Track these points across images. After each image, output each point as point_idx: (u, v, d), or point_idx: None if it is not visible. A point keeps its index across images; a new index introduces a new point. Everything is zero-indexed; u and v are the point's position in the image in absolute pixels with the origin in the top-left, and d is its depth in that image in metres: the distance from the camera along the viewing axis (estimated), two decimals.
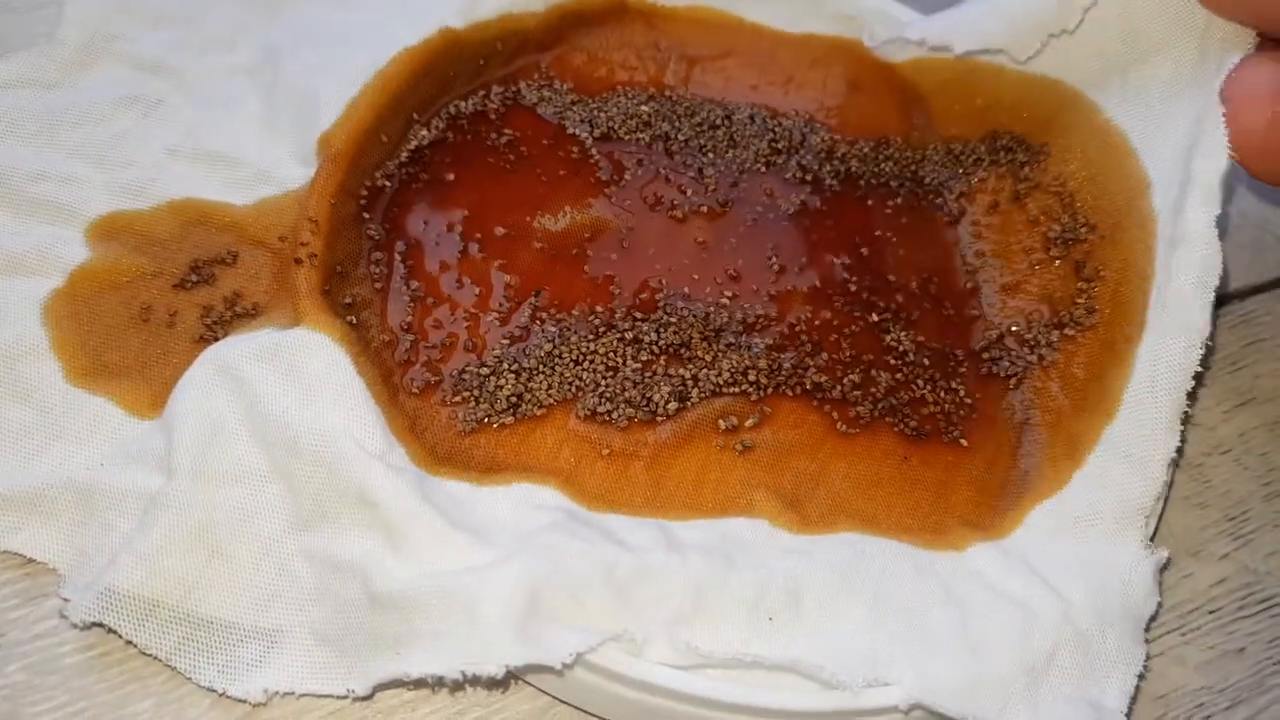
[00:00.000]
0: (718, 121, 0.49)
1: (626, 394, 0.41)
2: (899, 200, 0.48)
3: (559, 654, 0.34)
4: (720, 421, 0.41)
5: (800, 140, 0.49)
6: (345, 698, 0.36)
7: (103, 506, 0.37)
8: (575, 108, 0.48)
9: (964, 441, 0.42)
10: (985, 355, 0.44)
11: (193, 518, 0.36)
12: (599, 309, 0.43)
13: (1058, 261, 0.45)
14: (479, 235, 0.44)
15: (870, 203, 0.48)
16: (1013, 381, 0.43)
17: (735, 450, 0.40)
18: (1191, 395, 0.39)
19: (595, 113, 0.48)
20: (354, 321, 0.41)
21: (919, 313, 0.45)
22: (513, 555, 0.35)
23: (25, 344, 0.40)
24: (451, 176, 0.46)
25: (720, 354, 0.42)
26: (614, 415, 0.40)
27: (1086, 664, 0.36)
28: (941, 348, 0.44)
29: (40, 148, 0.44)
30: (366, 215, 0.44)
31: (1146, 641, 0.37)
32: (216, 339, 0.40)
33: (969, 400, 0.43)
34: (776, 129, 0.49)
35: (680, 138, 0.48)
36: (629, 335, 0.42)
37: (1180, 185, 0.41)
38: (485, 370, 0.41)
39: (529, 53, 0.50)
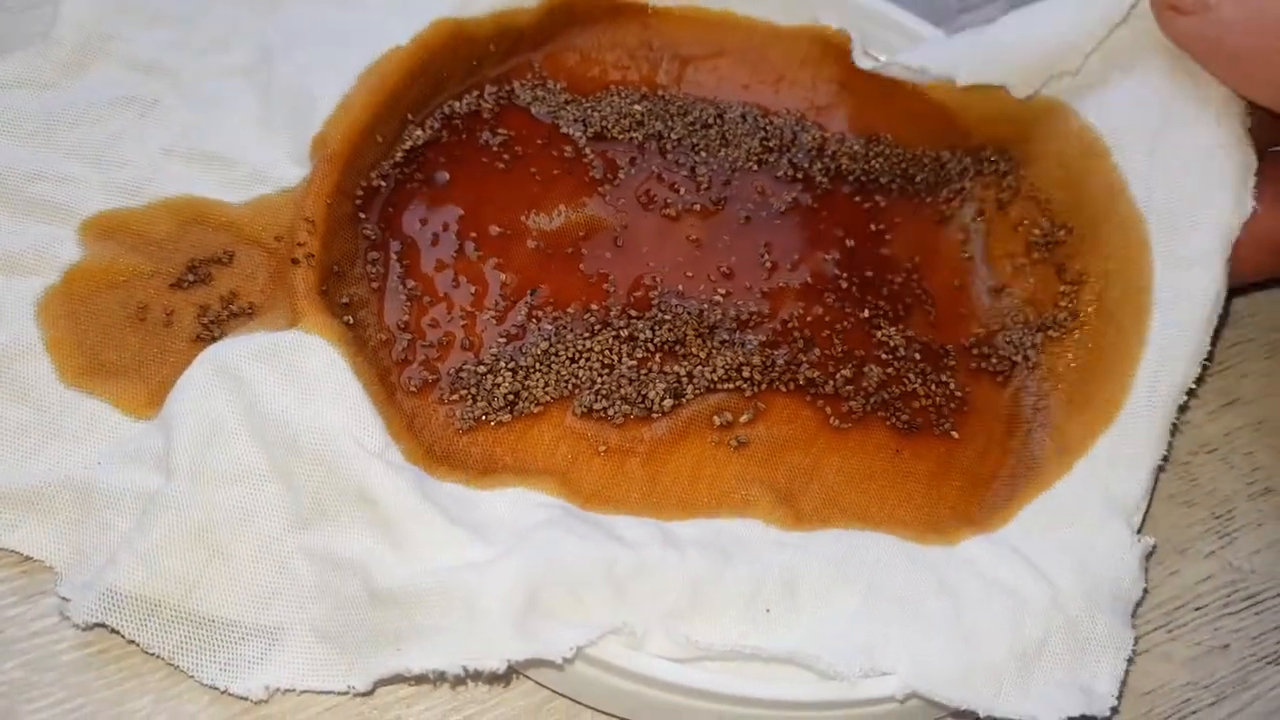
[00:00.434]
0: (710, 120, 0.49)
1: (622, 391, 0.41)
2: (889, 198, 0.48)
3: (559, 648, 0.34)
4: (715, 417, 0.41)
5: (791, 138, 0.49)
6: (345, 694, 0.36)
7: (100, 505, 0.37)
8: (569, 107, 0.49)
9: (955, 434, 0.42)
10: (974, 351, 0.44)
11: (192, 517, 0.36)
12: (594, 307, 0.43)
13: (1040, 265, 0.46)
14: (474, 234, 0.45)
15: (860, 200, 0.48)
16: (1000, 378, 0.44)
17: (730, 446, 0.41)
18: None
19: (589, 112, 0.49)
20: (351, 321, 0.41)
21: (909, 309, 0.45)
22: (512, 551, 0.35)
23: (22, 343, 0.40)
24: (447, 176, 0.46)
25: (714, 351, 0.42)
26: (610, 412, 0.41)
27: (1077, 649, 0.37)
28: (932, 343, 0.44)
29: (37, 148, 0.43)
30: (363, 215, 0.44)
31: (1134, 628, 0.38)
32: (213, 338, 0.40)
33: (959, 393, 0.43)
34: (768, 127, 0.49)
35: (673, 137, 0.48)
36: (624, 333, 0.43)
37: (1169, 195, 0.42)
38: (482, 368, 0.41)
39: (522, 52, 0.50)
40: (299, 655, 0.36)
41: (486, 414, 0.40)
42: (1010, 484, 0.41)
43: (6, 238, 0.41)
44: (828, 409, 0.42)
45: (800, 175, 0.48)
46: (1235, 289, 0.43)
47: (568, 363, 0.42)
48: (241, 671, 0.35)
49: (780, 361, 0.43)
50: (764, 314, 0.44)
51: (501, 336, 0.42)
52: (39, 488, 0.38)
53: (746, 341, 0.43)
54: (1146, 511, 0.40)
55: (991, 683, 0.36)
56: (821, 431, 0.42)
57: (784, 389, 0.42)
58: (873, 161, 0.49)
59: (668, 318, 0.43)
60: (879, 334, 0.44)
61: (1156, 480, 0.41)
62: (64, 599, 0.36)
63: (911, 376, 0.43)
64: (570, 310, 0.43)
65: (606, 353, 0.42)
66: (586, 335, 0.42)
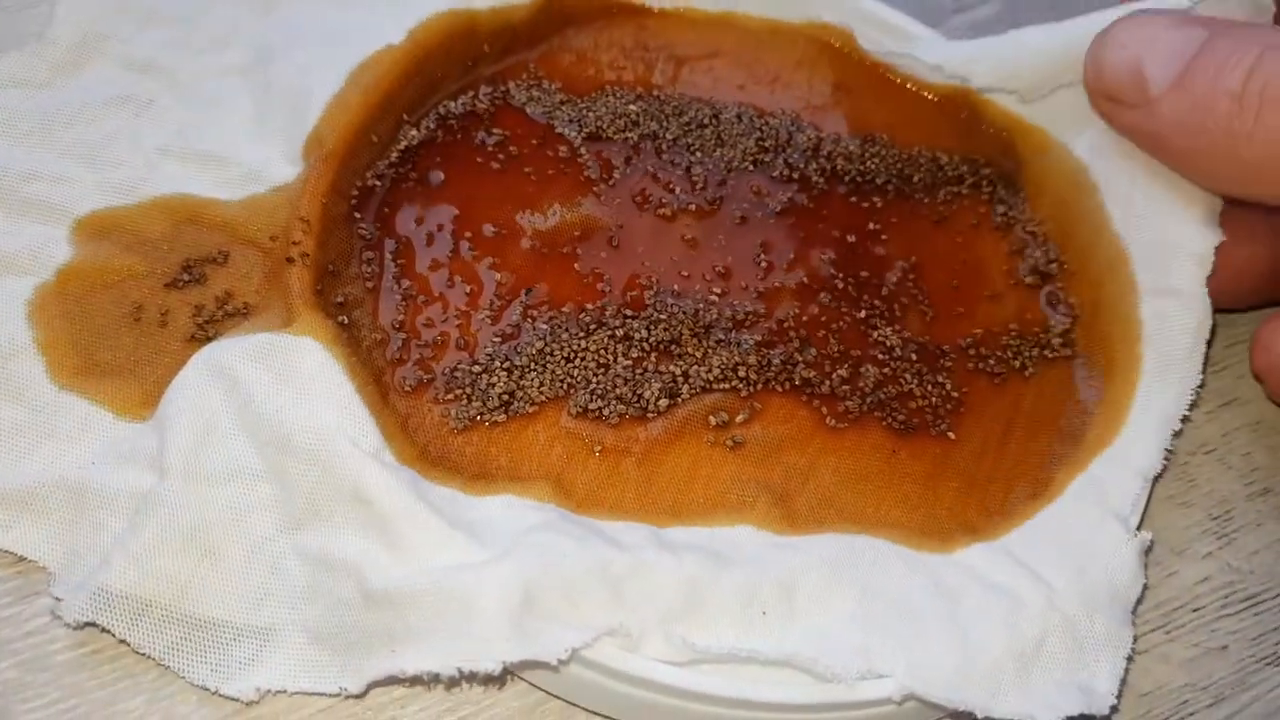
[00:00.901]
0: (705, 120, 0.49)
1: (618, 391, 0.41)
2: (885, 198, 0.48)
3: (555, 650, 0.34)
4: (711, 417, 0.41)
5: (787, 138, 0.49)
6: (338, 695, 0.36)
7: (94, 505, 0.37)
8: (564, 107, 0.49)
9: (951, 435, 0.42)
10: (971, 352, 0.44)
11: (185, 517, 0.36)
12: (589, 306, 0.43)
13: (1034, 290, 0.46)
14: (469, 234, 0.45)
15: (857, 200, 0.48)
16: (997, 379, 0.44)
17: (726, 446, 0.41)
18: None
19: (584, 112, 0.48)
20: (346, 321, 0.41)
21: (905, 309, 0.45)
22: (507, 553, 0.35)
23: (17, 343, 0.40)
24: (442, 176, 0.46)
25: (710, 350, 0.42)
26: (605, 412, 0.41)
27: (1075, 649, 0.37)
28: (928, 343, 0.44)
29: (32, 147, 0.43)
30: (358, 215, 0.44)
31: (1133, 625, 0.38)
32: (208, 338, 0.40)
33: (955, 394, 0.43)
34: (764, 128, 0.49)
35: (668, 137, 0.48)
36: (620, 332, 0.42)
37: (1152, 231, 0.43)
38: (477, 368, 0.41)
39: (518, 51, 0.50)
40: (291, 656, 0.35)
41: (481, 414, 0.40)
42: (1007, 487, 0.41)
43: (3, 238, 0.41)
44: (824, 409, 0.42)
45: (796, 175, 0.48)
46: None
47: (563, 362, 0.41)
48: (233, 673, 0.35)
49: (776, 361, 0.42)
50: (760, 314, 0.44)
51: (496, 336, 0.42)
52: (33, 488, 0.38)
53: (742, 341, 0.43)
54: (1144, 513, 0.40)
55: (989, 683, 0.36)
56: (818, 432, 0.42)
57: (780, 389, 0.42)
58: (869, 162, 0.49)
59: (663, 317, 0.43)
60: (875, 334, 0.44)
61: (1154, 483, 0.41)
62: (57, 599, 0.36)
63: (908, 377, 0.43)
64: (565, 310, 0.43)
65: (602, 352, 0.42)
66: (582, 335, 0.42)
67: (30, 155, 0.43)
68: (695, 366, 0.42)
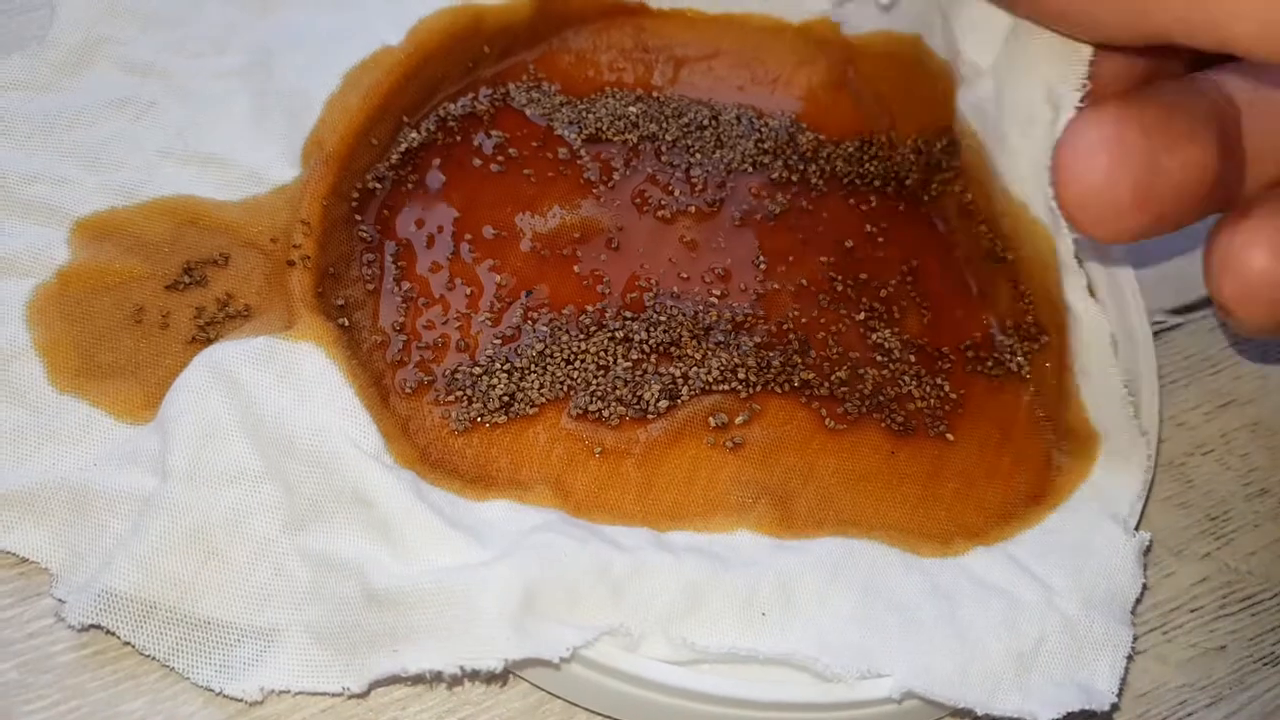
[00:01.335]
0: (705, 122, 0.49)
1: (617, 392, 0.41)
2: (884, 200, 0.48)
3: (557, 648, 0.34)
4: (710, 419, 0.41)
5: (787, 140, 0.49)
6: (341, 695, 0.36)
7: (96, 507, 0.37)
8: (563, 109, 0.49)
9: (950, 436, 0.42)
10: (970, 354, 0.44)
11: (188, 519, 0.36)
12: (589, 308, 0.43)
13: (1003, 279, 0.46)
14: (469, 236, 0.45)
15: (855, 202, 0.48)
16: (995, 381, 0.44)
17: (725, 447, 0.41)
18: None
19: (583, 114, 0.49)
20: (346, 323, 0.41)
21: (904, 311, 0.45)
22: (508, 553, 0.35)
23: (17, 345, 0.40)
24: (442, 178, 0.46)
25: (710, 352, 0.42)
26: (605, 414, 0.41)
27: (1075, 648, 0.37)
28: (927, 345, 0.44)
29: (33, 150, 0.43)
30: (358, 217, 0.44)
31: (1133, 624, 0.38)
32: (209, 340, 0.40)
33: (954, 395, 0.43)
34: (763, 129, 0.49)
35: (668, 138, 0.48)
36: (619, 334, 0.43)
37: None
38: (477, 370, 0.41)
39: (517, 53, 0.50)
40: (294, 657, 0.35)
41: (481, 415, 0.40)
42: (1006, 488, 0.41)
43: (4, 240, 0.41)
44: (823, 410, 0.42)
45: (795, 177, 0.48)
46: None
47: (563, 364, 0.42)
48: (237, 673, 0.35)
49: (775, 363, 0.43)
50: (759, 316, 0.44)
51: (497, 338, 0.42)
52: (34, 489, 0.37)
53: (742, 343, 0.43)
54: (1142, 513, 0.40)
55: (988, 682, 0.36)
56: (817, 433, 0.42)
57: (779, 390, 0.42)
58: (867, 164, 0.49)
59: (663, 319, 0.43)
60: (874, 336, 0.44)
61: (1153, 481, 0.41)
62: (60, 601, 0.36)
63: (906, 379, 0.43)
64: (565, 312, 0.43)
65: (602, 354, 0.42)
66: (581, 337, 0.42)
67: (31, 157, 0.43)
68: (695, 368, 0.42)
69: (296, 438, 0.37)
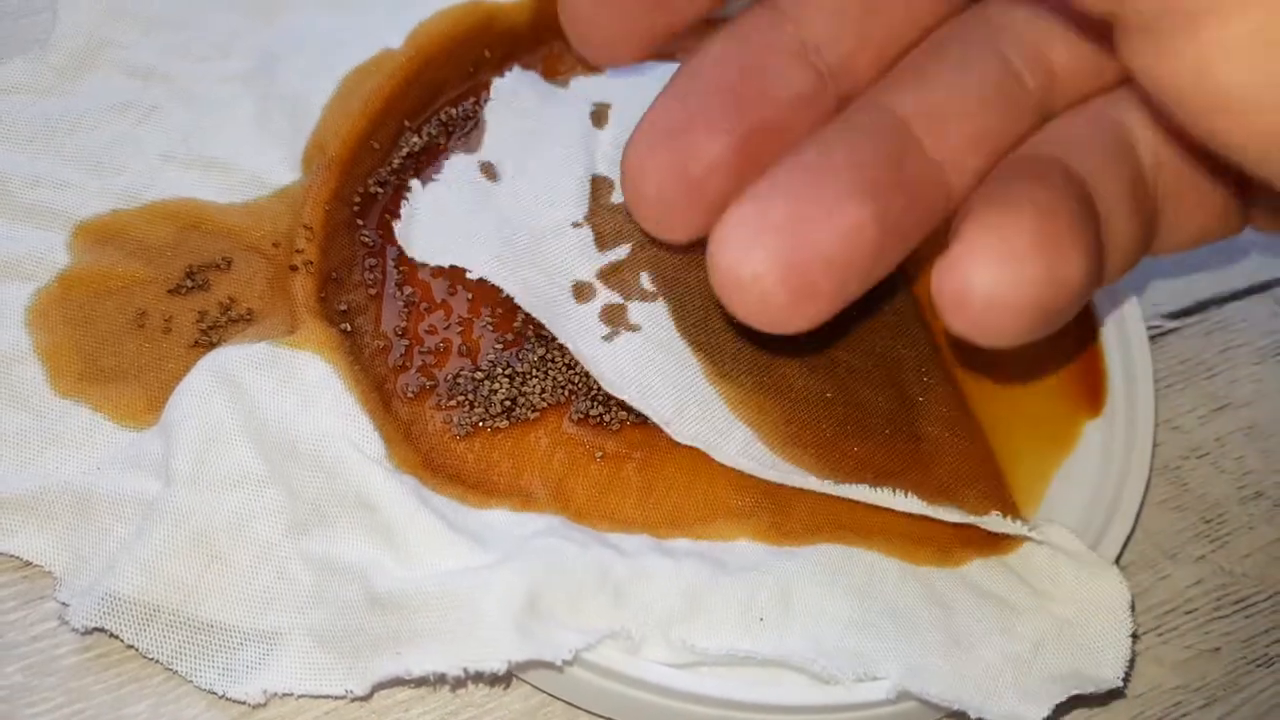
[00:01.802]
0: None
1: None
2: None
3: (559, 650, 0.35)
4: None
5: None
6: (344, 698, 0.37)
7: (99, 511, 0.37)
8: None
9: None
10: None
11: (192, 523, 0.36)
12: None
13: None
14: None
15: None
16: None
17: None
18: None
19: None
20: (349, 328, 0.41)
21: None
22: (511, 557, 0.36)
23: (21, 348, 0.40)
24: None
25: None
26: (606, 418, 0.41)
27: (1074, 650, 0.37)
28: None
29: (35, 154, 0.44)
30: (360, 222, 0.44)
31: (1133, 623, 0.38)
32: (212, 344, 0.41)
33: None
34: None
35: None
36: None
37: None
38: (479, 374, 0.41)
39: (519, 55, 0.50)
40: (297, 660, 0.36)
41: (483, 420, 0.40)
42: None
43: (6, 244, 0.42)
44: None
45: None
46: (1226, 296, 0.44)
47: (564, 369, 0.42)
48: (240, 676, 0.36)
49: None
50: None
51: (498, 343, 0.42)
52: (38, 494, 0.38)
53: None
54: (1137, 517, 0.41)
55: (985, 682, 0.36)
56: None
57: None
58: None
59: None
60: None
61: (1148, 484, 0.41)
62: (63, 604, 0.36)
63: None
64: None
65: None
66: None
67: (33, 161, 0.43)
68: None
69: (299, 442, 0.37)
